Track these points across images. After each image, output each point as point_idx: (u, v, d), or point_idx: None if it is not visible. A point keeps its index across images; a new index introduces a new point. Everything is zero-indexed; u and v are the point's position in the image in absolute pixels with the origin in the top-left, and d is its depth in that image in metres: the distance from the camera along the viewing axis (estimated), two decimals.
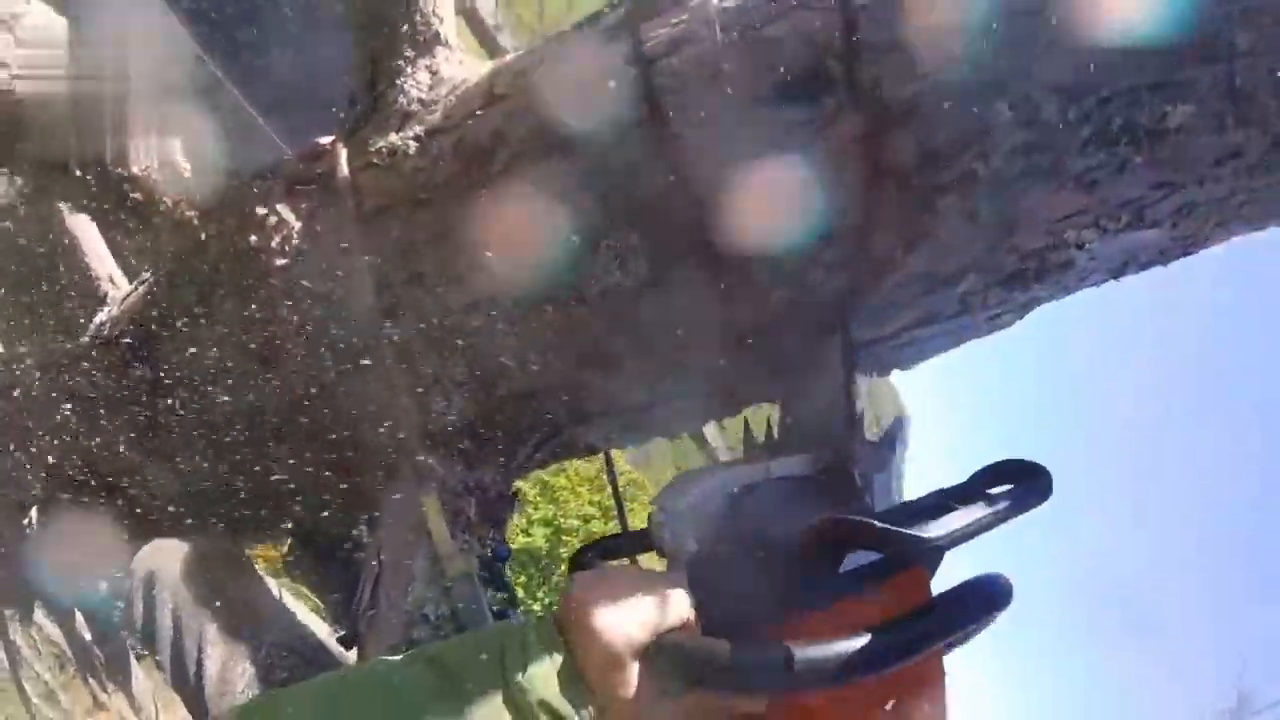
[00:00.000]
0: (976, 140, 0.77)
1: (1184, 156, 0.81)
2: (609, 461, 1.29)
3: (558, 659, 0.59)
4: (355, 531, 1.14)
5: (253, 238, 1.05)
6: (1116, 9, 0.75)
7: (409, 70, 1.02)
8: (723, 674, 0.56)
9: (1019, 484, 0.66)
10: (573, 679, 0.58)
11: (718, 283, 0.81)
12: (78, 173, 0.89)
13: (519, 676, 0.58)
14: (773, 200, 0.76)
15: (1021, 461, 0.70)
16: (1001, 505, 0.63)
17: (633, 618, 0.58)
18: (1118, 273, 0.97)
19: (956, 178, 0.78)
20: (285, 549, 1.46)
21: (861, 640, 0.54)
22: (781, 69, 0.75)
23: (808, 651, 0.53)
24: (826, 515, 0.62)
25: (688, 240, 0.79)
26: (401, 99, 0.99)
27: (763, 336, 0.86)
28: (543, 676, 0.58)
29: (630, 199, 0.78)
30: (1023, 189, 0.82)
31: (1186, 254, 0.95)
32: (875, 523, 0.58)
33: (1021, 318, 1.04)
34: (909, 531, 0.58)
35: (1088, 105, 0.78)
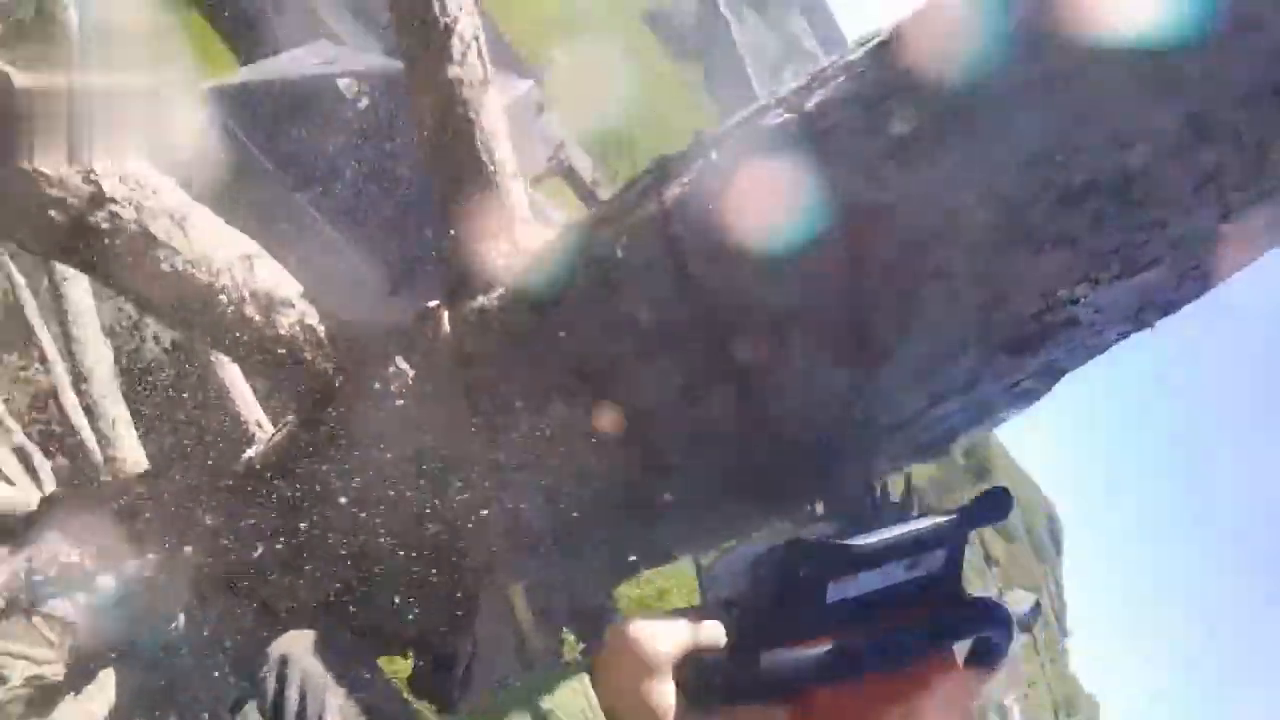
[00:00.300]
0: (947, 229, 0.88)
1: (1158, 193, 0.84)
2: (699, 569, 1.44)
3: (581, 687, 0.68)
4: (469, 648, 1.31)
5: (376, 385, 1.29)
6: (1065, 71, 0.82)
7: (493, 244, 1.26)
8: (718, 683, 0.68)
9: (977, 504, 0.78)
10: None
11: (743, 392, 0.98)
12: (232, 332, 1.14)
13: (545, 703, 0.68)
14: (777, 316, 0.93)
15: (996, 487, 0.82)
16: (941, 519, 0.73)
17: (666, 634, 0.67)
18: (1136, 320, 0.99)
19: (934, 265, 0.89)
20: (411, 666, 1.63)
21: (820, 650, 0.65)
22: (770, 204, 0.93)
23: (771, 658, 0.65)
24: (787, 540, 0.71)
25: (713, 360, 0.97)
26: (485, 266, 1.24)
27: (791, 432, 1.01)
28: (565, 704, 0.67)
29: (663, 330, 0.98)
30: (1001, 262, 0.88)
31: (1208, 286, 0.96)
32: (809, 539, 0.68)
33: (1050, 386, 1.07)
34: (836, 541, 0.68)
35: (1046, 172, 0.84)
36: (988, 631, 0.78)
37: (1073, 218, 0.85)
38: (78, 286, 2.80)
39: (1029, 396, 1.06)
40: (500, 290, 1.19)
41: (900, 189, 0.88)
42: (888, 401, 0.97)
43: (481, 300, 1.20)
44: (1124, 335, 1.01)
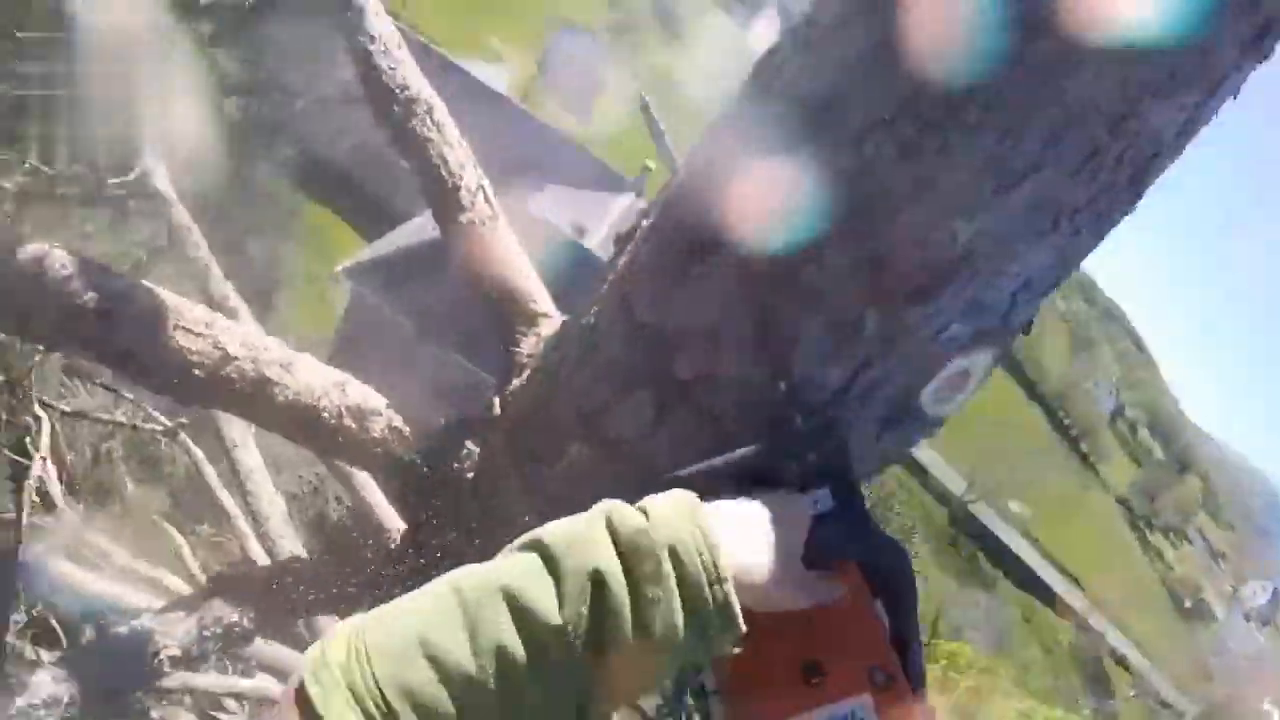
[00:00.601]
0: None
1: (1001, 97, 0.85)
2: None
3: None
4: None
5: (454, 465, 1.62)
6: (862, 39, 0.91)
7: (523, 338, 1.60)
8: None
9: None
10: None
11: (696, 406, 1.22)
12: (335, 439, 1.50)
13: (633, 523, 0.75)
14: (701, 335, 1.13)
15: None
16: (746, 450, 0.96)
17: None
18: (1068, 230, 0.97)
19: (806, 252, 1.02)
20: None
21: None
22: (683, 246, 1.15)
23: None
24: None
25: (667, 385, 1.23)
26: (519, 357, 1.57)
27: (744, 430, 1.13)
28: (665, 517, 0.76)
29: (628, 371, 1.25)
30: (866, 228, 0.96)
31: (1138, 161, 0.92)
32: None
33: (1008, 326, 1.07)
34: (669, 475, 0.91)
35: (879, 134, 0.91)
36: (855, 550, 0.94)
37: (921, 163, 0.90)
38: (247, 451, 3.33)
39: (968, 341, 1.06)
40: (529, 371, 1.52)
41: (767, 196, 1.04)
42: (810, 381, 1.09)
43: (516, 382, 1.52)
44: (1066, 252, 1.01)
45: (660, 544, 0.72)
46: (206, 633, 1.44)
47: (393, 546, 1.80)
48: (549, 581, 0.71)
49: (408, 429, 1.61)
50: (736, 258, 1.08)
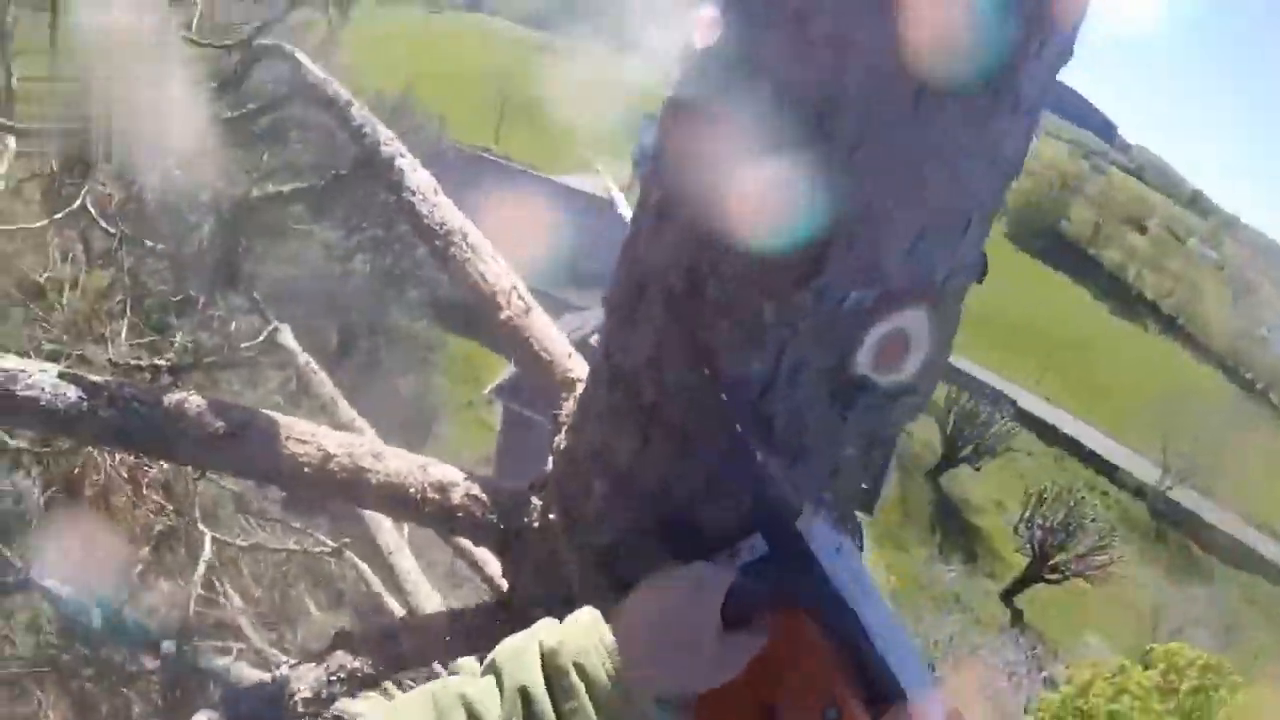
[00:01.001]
0: (704, 255, 1.19)
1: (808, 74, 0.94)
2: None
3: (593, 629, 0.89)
4: None
5: (524, 519, 1.95)
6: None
7: (564, 403, 1.93)
8: None
9: None
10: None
11: (663, 429, 1.46)
12: (423, 510, 1.86)
13: (552, 641, 0.87)
14: (646, 364, 1.36)
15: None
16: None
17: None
18: (934, 170, 0.99)
19: (705, 271, 1.19)
20: None
21: None
22: (631, 289, 1.49)
23: None
24: None
25: (642, 416, 1.48)
26: (561, 418, 1.89)
27: (705, 439, 1.32)
28: (573, 638, 0.87)
29: (614, 412, 1.54)
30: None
31: (988, 81, 0.94)
32: None
33: (929, 281, 1.10)
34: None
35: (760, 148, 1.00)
36: (776, 598, 0.98)
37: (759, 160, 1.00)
38: (401, 555, 3.78)
39: (874, 305, 1.11)
40: (563, 431, 1.84)
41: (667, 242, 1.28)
42: (738, 377, 1.22)
43: (556, 439, 1.85)
44: (957, 193, 1.04)
45: (568, 661, 0.83)
46: (333, 678, 1.79)
47: (500, 596, 2.13)
48: (495, 692, 0.84)
49: (485, 495, 1.96)
50: (659, 286, 1.30)
